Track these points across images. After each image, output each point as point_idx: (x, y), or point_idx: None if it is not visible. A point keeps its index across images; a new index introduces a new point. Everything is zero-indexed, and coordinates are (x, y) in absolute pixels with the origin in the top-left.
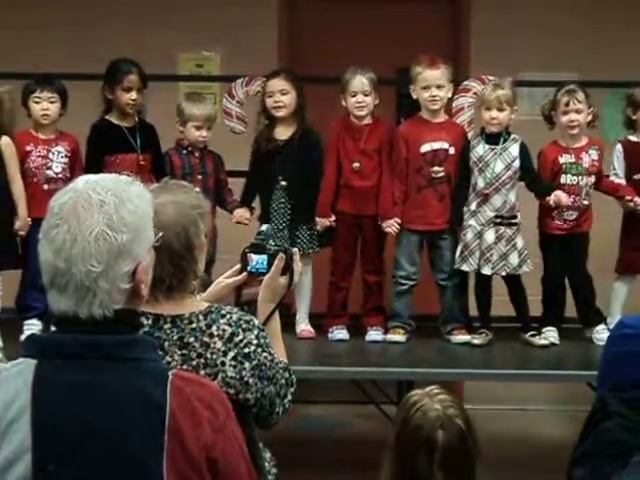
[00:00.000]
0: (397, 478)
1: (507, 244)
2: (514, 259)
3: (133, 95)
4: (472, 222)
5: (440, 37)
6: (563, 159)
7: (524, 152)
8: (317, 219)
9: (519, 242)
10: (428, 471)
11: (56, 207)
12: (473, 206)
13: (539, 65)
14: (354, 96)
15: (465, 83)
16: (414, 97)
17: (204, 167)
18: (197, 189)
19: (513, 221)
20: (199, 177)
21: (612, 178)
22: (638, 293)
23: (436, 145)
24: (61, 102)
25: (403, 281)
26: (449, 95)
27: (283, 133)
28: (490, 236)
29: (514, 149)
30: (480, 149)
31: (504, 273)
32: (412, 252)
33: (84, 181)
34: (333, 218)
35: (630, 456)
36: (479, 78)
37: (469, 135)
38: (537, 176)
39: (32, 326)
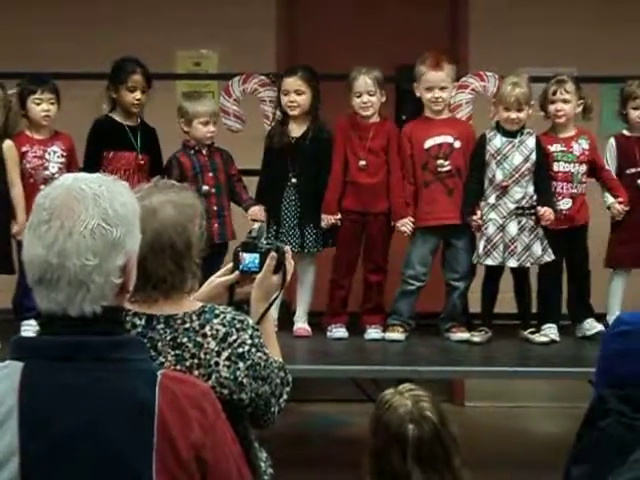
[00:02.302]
0: (375, 475)
1: (530, 234)
2: (537, 249)
3: (137, 95)
4: (493, 215)
5: (439, 33)
6: (554, 148)
7: (540, 146)
8: (323, 216)
9: (540, 232)
10: (403, 466)
11: (46, 202)
12: (492, 199)
13: (538, 60)
14: (359, 96)
15: (463, 79)
16: (417, 95)
17: (214, 164)
18: (205, 187)
19: (533, 211)
20: (210, 174)
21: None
22: (637, 288)
23: (439, 139)
24: (57, 103)
25: (411, 281)
26: (453, 94)
27: (296, 130)
28: (513, 228)
29: (531, 141)
30: (497, 142)
31: (529, 264)
32: (425, 253)
33: (72, 177)
34: (339, 216)
35: (628, 454)
36: (478, 74)
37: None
38: (546, 177)
39: (30, 327)
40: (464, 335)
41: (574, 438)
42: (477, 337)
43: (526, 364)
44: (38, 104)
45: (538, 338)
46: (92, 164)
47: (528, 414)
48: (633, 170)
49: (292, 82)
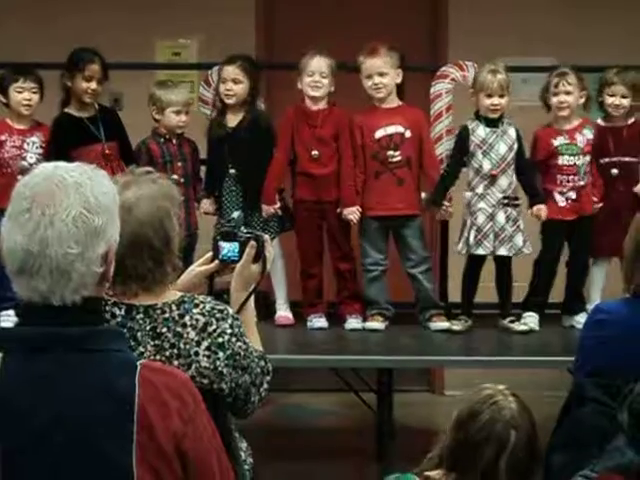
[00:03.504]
0: (455, 464)
1: (513, 225)
2: (519, 240)
3: (93, 85)
4: (482, 205)
5: (418, 22)
6: (557, 141)
7: (519, 136)
8: (263, 206)
9: (522, 223)
10: (493, 465)
11: (26, 191)
12: (480, 189)
13: (516, 50)
14: (311, 75)
15: (443, 69)
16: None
17: (183, 154)
18: (174, 176)
19: (517, 202)
20: (179, 164)
21: None
22: (617, 277)
23: (390, 129)
24: (40, 93)
25: (372, 267)
26: (397, 81)
27: (232, 120)
28: (501, 217)
29: (512, 131)
30: (481, 132)
31: (512, 253)
32: (376, 239)
33: (52, 166)
34: (278, 205)
35: (606, 441)
36: (457, 64)
37: (446, 121)
38: (529, 167)
39: (9, 317)
40: (444, 324)
41: (553, 426)
42: (457, 326)
43: (506, 353)
44: (20, 92)
45: (517, 327)
46: None
47: None
48: (607, 160)
49: (230, 71)
